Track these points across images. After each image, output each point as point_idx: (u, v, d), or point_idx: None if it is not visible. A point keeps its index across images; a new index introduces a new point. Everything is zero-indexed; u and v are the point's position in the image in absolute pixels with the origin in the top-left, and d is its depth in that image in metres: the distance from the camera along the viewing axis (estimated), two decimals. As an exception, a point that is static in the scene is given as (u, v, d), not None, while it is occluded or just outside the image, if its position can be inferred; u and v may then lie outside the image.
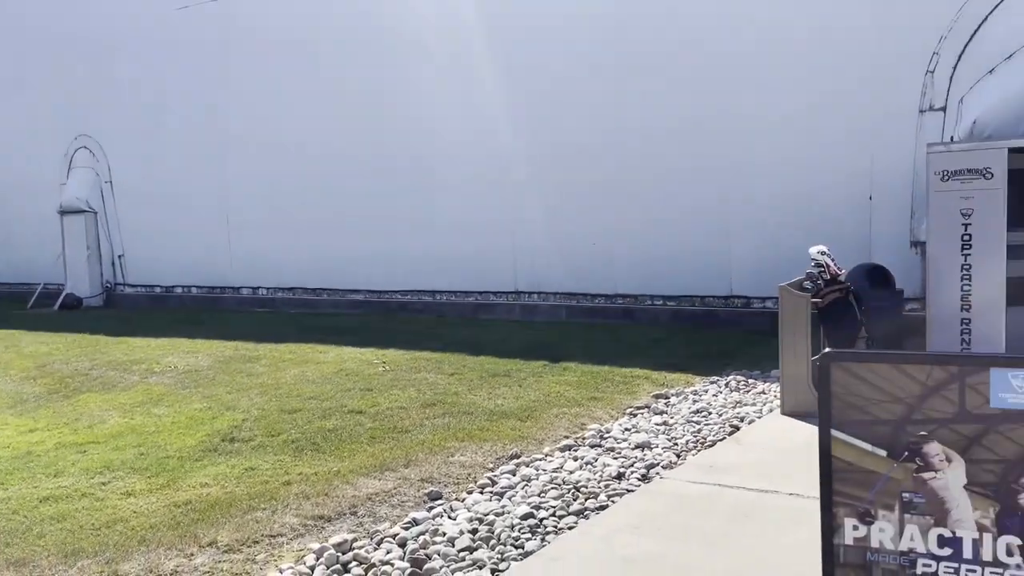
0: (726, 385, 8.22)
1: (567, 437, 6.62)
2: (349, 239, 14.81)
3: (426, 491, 5.48)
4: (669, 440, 6.45)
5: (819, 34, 10.72)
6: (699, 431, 6.65)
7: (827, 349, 2.66)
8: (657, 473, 5.72)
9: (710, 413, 7.17)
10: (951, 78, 9.79)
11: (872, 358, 2.61)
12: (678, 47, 11.70)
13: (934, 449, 2.47)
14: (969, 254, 8.16)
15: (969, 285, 8.17)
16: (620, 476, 5.70)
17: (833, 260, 6.93)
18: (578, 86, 12.47)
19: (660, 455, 6.09)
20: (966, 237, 8.19)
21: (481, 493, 5.45)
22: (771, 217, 11.25)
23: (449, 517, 5.08)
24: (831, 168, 10.87)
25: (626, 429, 6.78)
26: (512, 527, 4.87)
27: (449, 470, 5.91)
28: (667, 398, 7.74)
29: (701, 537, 4.52)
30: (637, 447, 6.29)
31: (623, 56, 12.09)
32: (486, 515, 5.04)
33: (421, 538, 4.73)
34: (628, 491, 5.39)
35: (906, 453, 2.51)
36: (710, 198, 11.77)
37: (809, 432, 5.93)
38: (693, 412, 7.22)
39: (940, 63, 9.85)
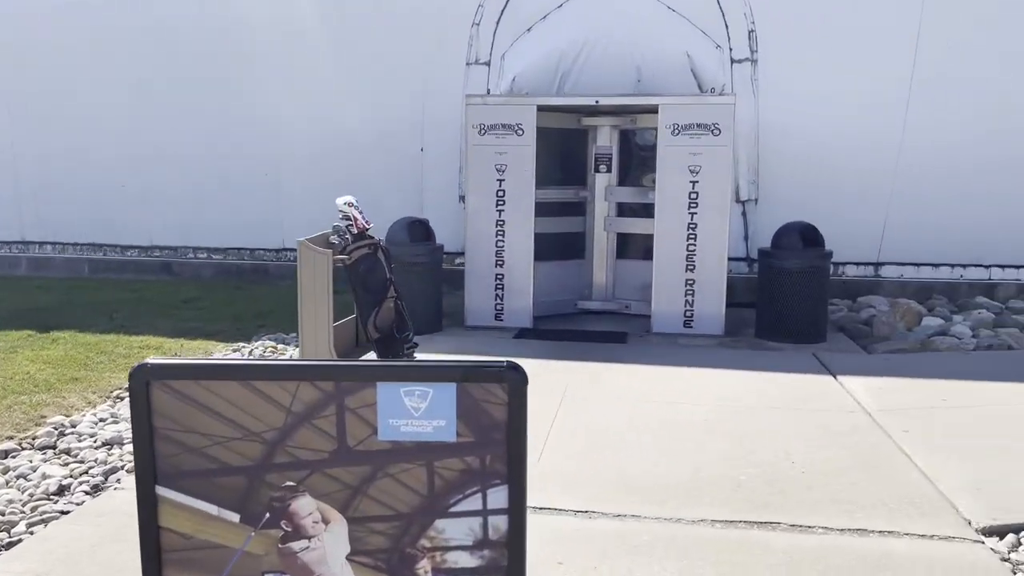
0: (250, 353, 7.19)
1: (10, 438, 5.05)
2: None
3: None
4: (154, 430, 5.22)
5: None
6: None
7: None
8: (118, 480, 4.48)
9: (220, 390, 6.08)
10: (495, 33, 9.63)
11: (205, 371, 1.68)
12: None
13: (306, 507, 1.66)
14: (503, 209, 7.99)
15: (503, 240, 8.02)
16: (62, 491, 4.35)
17: (361, 212, 6.19)
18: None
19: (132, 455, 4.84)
20: (500, 192, 8.01)
21: None
22: (317, 168, 10.36)
23: None
24: (395, 118, 10.27)
25: (100, 420, 5.39)
26: None
27: None
28: (174, 373, 6.47)
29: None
30: (104, 445, 4.96)
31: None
32: None
33: None
34: (64, 512, 4.08)
35: (267, 516, 1.66)
36: (258, 143, 10.54)
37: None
38: (199, 390, 6.06)
39: (485, 16, 9.65)
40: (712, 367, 6.55)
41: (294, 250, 10.79)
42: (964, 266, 9.48)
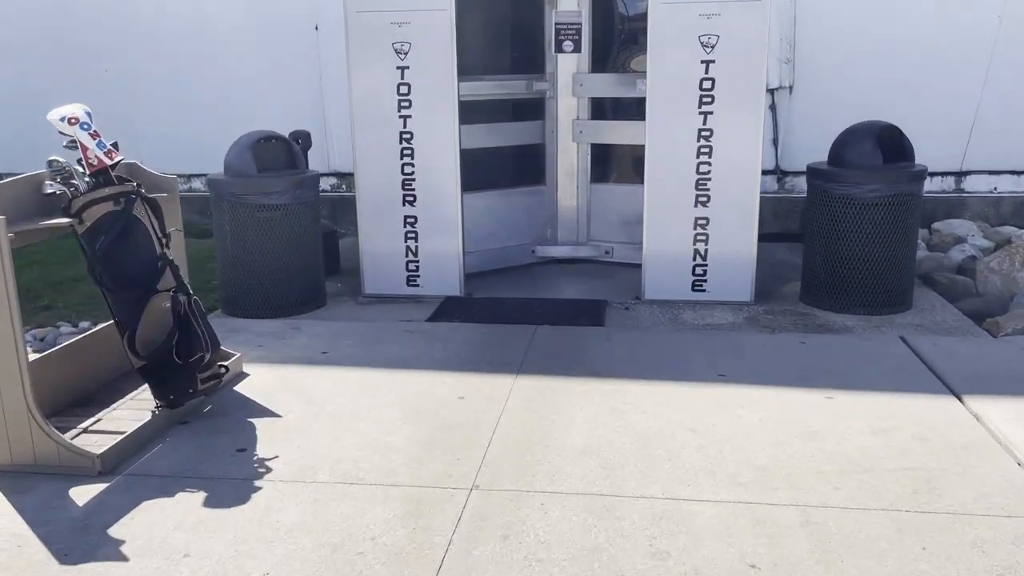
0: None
1: None
2: None
3: None
4: None
5: None
6: None
7: None
8: None
9: None
10: None
11: None
12: None
13: None
14: (409, 115, 5.16)
15: (412, 163, 5.23)
16: None
17: (98, 136, 3.39)
18: None
19: None
20: (403, 88, 5.16)
21: None
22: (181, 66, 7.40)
23: None
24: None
25: None
26: None
27: None
28: None
29: None
30: None
31: None
32: None
33: None
34: None
35: None
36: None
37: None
38: None
39: None
40: (749, 382, 3.85)
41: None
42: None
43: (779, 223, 6.92)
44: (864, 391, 3.69)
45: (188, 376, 3.35)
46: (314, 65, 7.40)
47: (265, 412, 3.56)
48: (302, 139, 5.81)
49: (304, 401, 3.67)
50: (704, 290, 5.08)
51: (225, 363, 3.67)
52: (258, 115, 7.41)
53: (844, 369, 3.96)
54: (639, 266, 5.29)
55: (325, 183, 7.74)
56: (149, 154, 7.99)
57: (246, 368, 4.04)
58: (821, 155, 5.19)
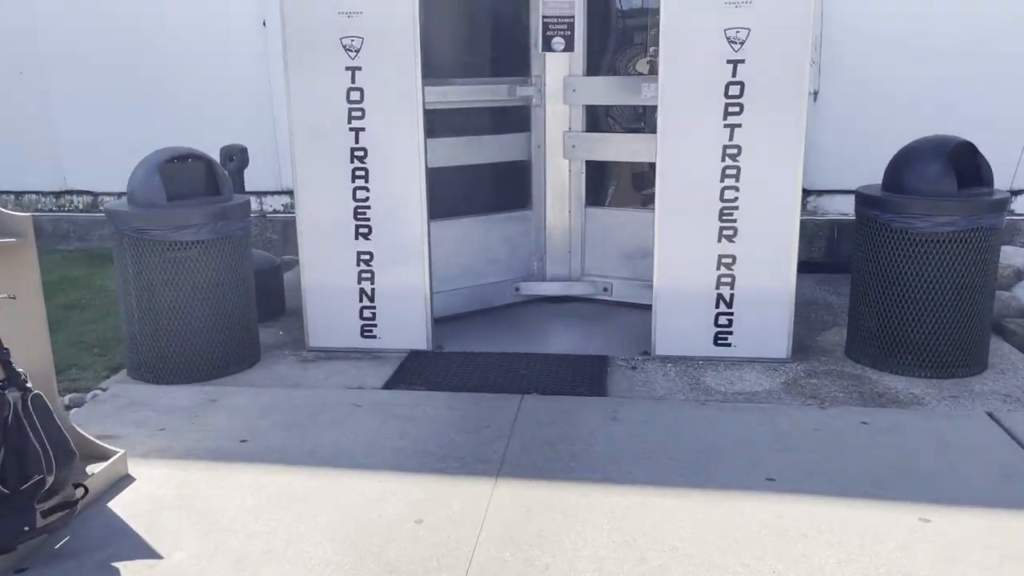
0: None
1: None
2: None
3: None
4: None
5: None
6: None
7: None
8: None
9: None
10: None
11: None
12: None
13: None
14: (363, 128, 4.18)
15: (367, 185, 4.24)
16: None
17: None
18: None
19: None
20: (354, 92, 4.16)
21: None
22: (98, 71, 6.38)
23: None
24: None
25: None
26: None
27: None
28: None
29: None
30: None
31: None
32: None
33: None
34: None
35: None
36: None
37: None
38: None
39: None
40: (809, 491, 2.87)
41: (86, 194, 6.92)
42: None
43: (802, 250, 5.94)
44: (967, 506, 2.71)
45: (22, 509, 2.33)
46: (262, 66, 6.39)
47: (142, 550, 2.53)
48: (236, 156, 4.82)
49: (202, 528, 2.65)
50: (729, 344, 4.10)
51: (84, 483, 2.64)
52: (204, 122, 6.42)
53: (931, 469, 2.98)
54: (645, 307, 4.33)
55: (277, 202, 6.73)
56: (73, 168, 6.96)
57: (133, 468, 3.01)
58: (852, 173, 4.23)
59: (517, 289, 5.08)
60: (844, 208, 5.91)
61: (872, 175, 4.14)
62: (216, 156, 4.83)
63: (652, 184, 4.16)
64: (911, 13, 5.71)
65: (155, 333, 3.87)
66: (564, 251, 5.13)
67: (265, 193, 6.67)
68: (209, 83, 6.55)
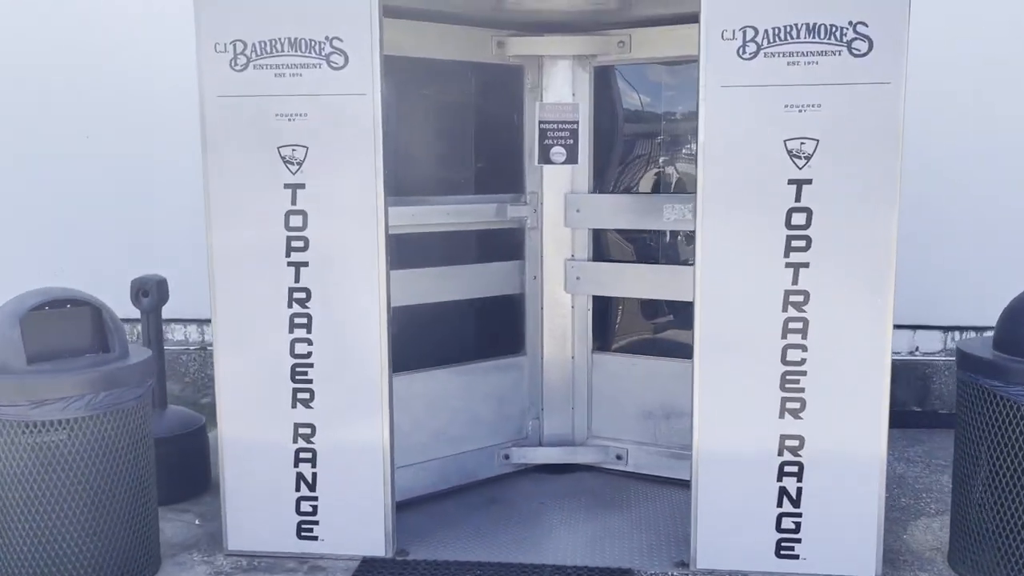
0: None
1: None
2: None
3: None
4: None
5: None
6: None
7: None
8: None
9: None
10: None
11: None
12: None
13: None
14: (306, 261, 3.16)
15: (308, 333, 3.20)
16: None
17: None
18: None
19: None
20: (295, 214, 3.16)
21: None
22: None
23: None
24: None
25: None
26: None
27: None
28: None
29: None
30: None
31: None
32: None
33: None
34: None
35: None
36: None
37: None
38: None
39: None
40: None
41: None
42: None
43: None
44: None
45: None
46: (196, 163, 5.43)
47: None
48: (151, 291, 3.79)
49: None
50: (796, 555, 3.02)
51: None
52: (118, 232, 5.38)
53: None
54: (670, 481, 3.29)
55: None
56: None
57: None
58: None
59: (507, 457, 4.00)
60: (914, 343, 4.93)
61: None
62: (127, 289, 3.83)
63: (676, 325, 3.18)
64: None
65: (5, 545, 2.75)
66: (566, 407, 4.09)
67: (207, 321, 5.62)
68: (137, 177, 5.56)
